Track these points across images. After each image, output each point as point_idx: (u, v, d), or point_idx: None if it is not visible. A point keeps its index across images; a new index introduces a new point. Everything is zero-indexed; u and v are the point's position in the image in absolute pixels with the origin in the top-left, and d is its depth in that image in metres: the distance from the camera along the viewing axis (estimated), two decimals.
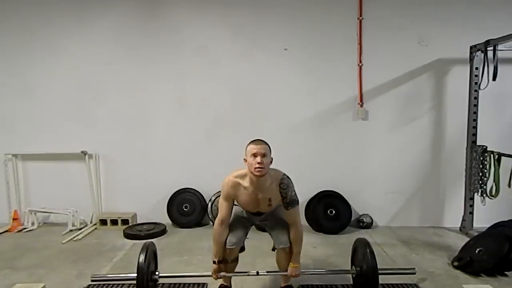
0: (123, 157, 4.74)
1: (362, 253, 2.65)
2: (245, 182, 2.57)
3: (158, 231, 4.28)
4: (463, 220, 4.33)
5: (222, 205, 2.63)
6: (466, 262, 3.24)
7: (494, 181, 3.84)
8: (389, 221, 4.64)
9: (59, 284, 3.12)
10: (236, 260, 2.80)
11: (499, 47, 3.83)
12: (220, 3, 4.58)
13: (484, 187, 3.97)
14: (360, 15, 4.47)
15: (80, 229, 4.50)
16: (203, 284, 3.03)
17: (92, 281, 2.86)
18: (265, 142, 2.55)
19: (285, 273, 2.71)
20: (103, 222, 4.60)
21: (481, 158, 4.01)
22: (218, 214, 2.66)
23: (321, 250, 3.85)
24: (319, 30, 4.52)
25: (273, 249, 2.80)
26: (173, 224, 4.65)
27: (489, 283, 2.95)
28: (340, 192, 4.50)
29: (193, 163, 4.67)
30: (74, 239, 4.19)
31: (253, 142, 2.55)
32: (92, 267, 3.43)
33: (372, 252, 2.63)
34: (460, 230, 4.36)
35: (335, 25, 4.51)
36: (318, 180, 4.55)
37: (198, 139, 4.66)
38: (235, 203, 2.73)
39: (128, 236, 4.21)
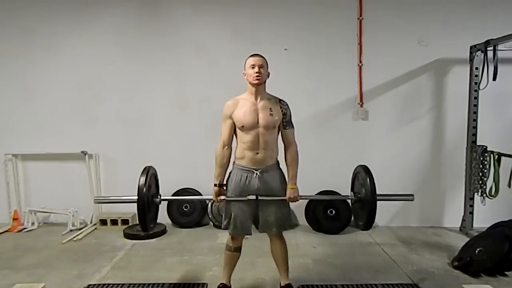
0: (123, 157, 4.74)
1: (361, 179, 2.66)
2: (245, 96, 2.76)
3: (158, 231, 4.26)
4: (463, 220, 4.33)
5: (223, 128, 2.77)
6: (466, 262, 3.24)
7: (494, 181, 3.84)
8: (389, 221, 4.64)
9: (59, 284, 3.12)
10: (239, 250, 2.83)
11: (499, 47, 3.83)
12: (220, 4, 4.58)
13: (484, 187, 3.97)
14: (360, 15, 4.47)
15: (80, 229, 4.50)
16: (203, 284, 3.04)
17: (95, 202, 3.04)
18: (262, 56, 2.74)
19: (284, 197, 2.65)
20: (103, 222, 4.59)
21: (481, 158, 4.01)
22: (220, 137, 2.76)
23: (321, 250, 3.85)
24: (319, 30, 4.52)
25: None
26: (173, 224, 4.65)
27: (489, 283, 2.94)
28: (340, 192, 4.50)
29: (193, 163, 4.65)
30: (74, 239, 4.19)
31: (251, 55, 2.74)
32: (92, 267, 3.43)
33: (371, 178, 2.66)
34: (460, 230, 4.36)
35: (335, 25, 4.51)
36: (318, 180, 4.52)
37: (198, 139, 4.65)
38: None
39: (128, 236, 4.21)
